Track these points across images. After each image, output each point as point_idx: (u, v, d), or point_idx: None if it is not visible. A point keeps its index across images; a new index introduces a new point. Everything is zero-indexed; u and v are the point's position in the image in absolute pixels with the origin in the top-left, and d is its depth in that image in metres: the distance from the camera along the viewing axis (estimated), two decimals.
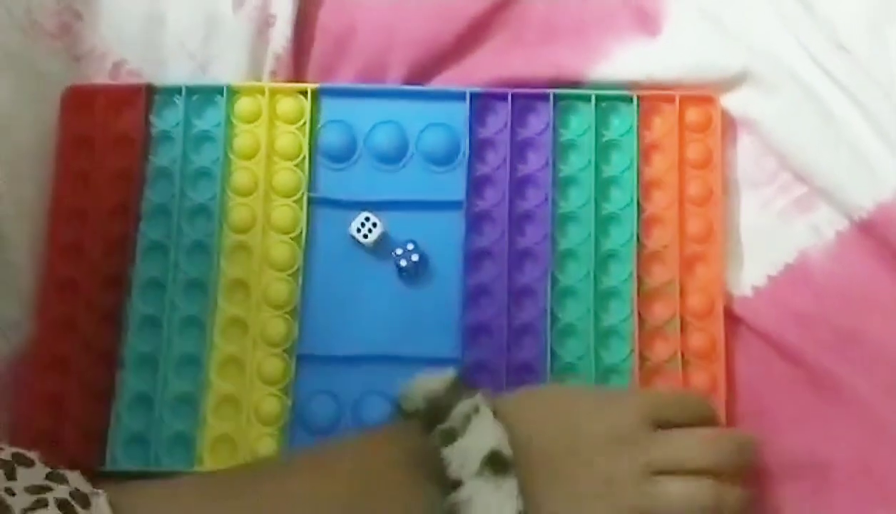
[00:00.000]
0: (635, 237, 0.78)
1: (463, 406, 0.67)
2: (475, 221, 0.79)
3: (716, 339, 0.76)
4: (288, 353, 0.77)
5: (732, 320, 0.77)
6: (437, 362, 0.75)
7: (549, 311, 0.77)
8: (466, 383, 0.69)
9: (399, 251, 0.78)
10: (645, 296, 0.77)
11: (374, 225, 0.78)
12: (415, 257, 0.77)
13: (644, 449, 0.69)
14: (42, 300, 0.78)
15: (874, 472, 0.74)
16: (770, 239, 0.79)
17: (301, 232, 0.78)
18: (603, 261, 0.78)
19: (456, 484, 0.65)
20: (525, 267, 0.78)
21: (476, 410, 0.67)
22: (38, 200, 0.79)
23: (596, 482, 0.68)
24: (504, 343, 0.76)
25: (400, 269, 0.78)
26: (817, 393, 0.76)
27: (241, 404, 0.76)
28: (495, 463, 0.66)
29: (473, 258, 0.78)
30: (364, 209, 0.79)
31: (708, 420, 0.73)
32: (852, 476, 0.74)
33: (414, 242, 0.78)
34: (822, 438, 0.75)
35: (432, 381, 0.69)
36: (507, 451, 0.66)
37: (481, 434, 0.66)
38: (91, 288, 0.78)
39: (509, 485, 0.65)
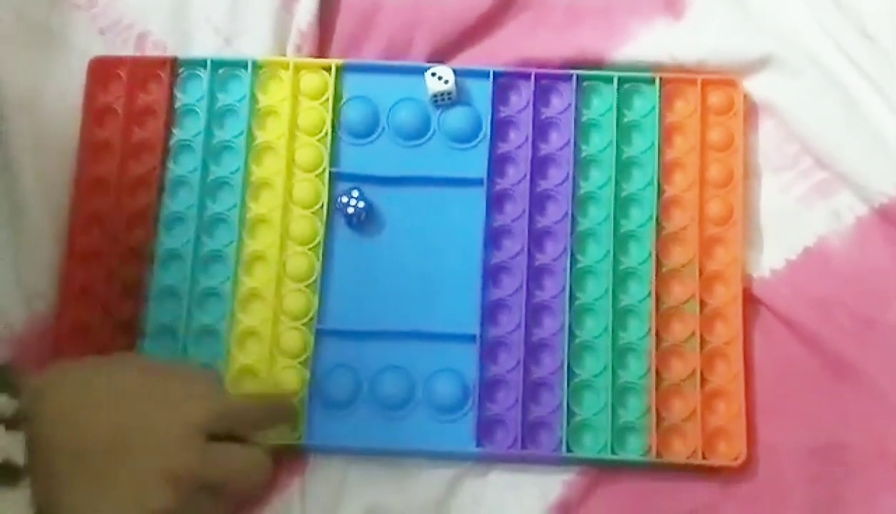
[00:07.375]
0: (655, 219, 0.78)
1: None
2: (496, 200, 0.79)
3: (733, 321, 0.77)
4: (308, 327, 0.77)
5: (751, 302, 0.78)
6: (456, 338, 0.76)
7: (568, 290, 0.77)
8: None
9: (345, 199, 0.78)
10: (663, 277, 0.78)
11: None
12: (360, 204, 0.78)
13: (187, 462, 0.67)
14: (64, 271, 0.78)
15: (890, 455, 0.74)
16: (789, 223, 0.79)
17: (322, 206, 0.79)
18: (622, 241, 0.78)
19: None
20: (545, 246, 0.79)
21: None
22: (62, 171, 0.80)
23: (132, 485, 0.66)
24: (522, 321, 0.77)
25: (347, 217, 0.78)
26: (834, 377, 0.76)
27: (260, 376, 0.76)
28: (2, 474, 0.61)
29: (494, 236, 0.78)
30: (385, 185, 0.79)
31: (274, 418, 0.74)
32: (868, 460, 0.74)
33: (358, 188, 0.78)
34: (837, 421, 0.75)
35: None
36: (17, 460, 0.62)
37: None
38: (113, 259, 0.78)
39: (19, 495, 0.62)
